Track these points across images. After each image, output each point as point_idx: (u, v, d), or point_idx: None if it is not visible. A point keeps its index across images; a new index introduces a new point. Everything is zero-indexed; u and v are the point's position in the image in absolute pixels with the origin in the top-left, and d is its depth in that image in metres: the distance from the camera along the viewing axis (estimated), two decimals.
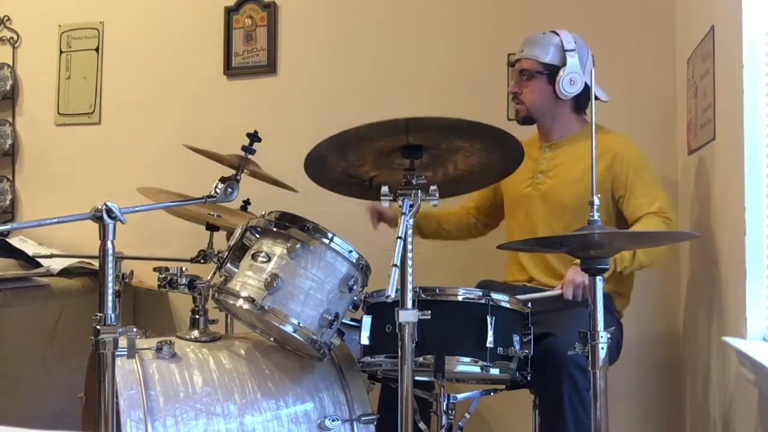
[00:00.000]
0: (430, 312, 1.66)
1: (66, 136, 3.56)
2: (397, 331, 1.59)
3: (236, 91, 3.33)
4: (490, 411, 2.95)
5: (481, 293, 1.90)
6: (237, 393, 1.86)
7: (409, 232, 1.60)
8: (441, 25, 3.07)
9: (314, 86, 3.23)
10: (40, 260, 3.00)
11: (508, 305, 1.93)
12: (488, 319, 1.86)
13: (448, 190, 1.79)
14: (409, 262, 1.61)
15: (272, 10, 3.27)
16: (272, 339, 2.03)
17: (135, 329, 1.55)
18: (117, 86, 3.50)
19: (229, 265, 1.89)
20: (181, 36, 3.41)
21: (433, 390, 1.91)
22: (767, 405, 1.73)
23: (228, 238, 1.99)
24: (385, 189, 1.66)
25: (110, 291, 1.51)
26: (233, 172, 1.91)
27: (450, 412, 1.90)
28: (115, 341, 1.50)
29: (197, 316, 2.08)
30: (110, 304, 1.51)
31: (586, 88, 2.28)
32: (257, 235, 1.91)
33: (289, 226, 1.86)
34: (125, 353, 1.53)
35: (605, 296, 1.64)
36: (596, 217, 1.55)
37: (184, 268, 2.07)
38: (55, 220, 1.55)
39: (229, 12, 3.32)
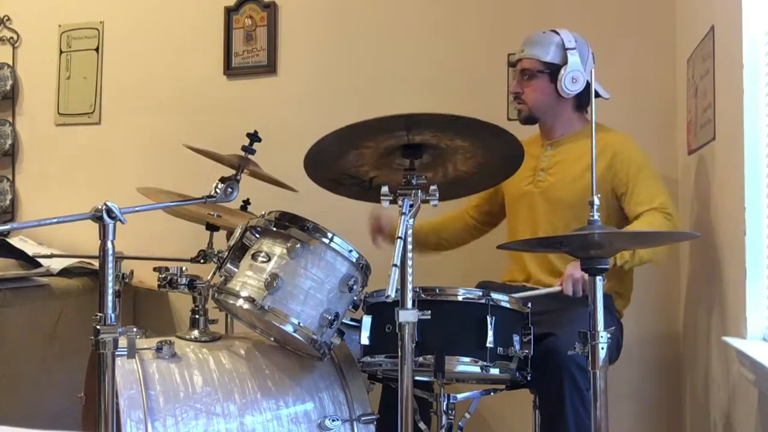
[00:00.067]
0: (430, 312, 1.66)
1: (66, 136, 3.57)
2: (397, 331, 1.59)
3: (236, 91, 3.33)
4: (490, 411, 2.95)
5: (481, 293, 1.90)
6: (237, 393, 1.86)
7: (409, 232, 1.60)
8: (441, 25, 3.07)
9: (314, 86, 3.23)
10: (40, 260, 3.00)
11: (508, 305, 1.93)
12: (488, 319, 1.86)
13: (448, 191, 1.78)
14: (409, 262, 1.61)
15: (272, 10, 3.27)
16: (272, 339, 2.03)
17: (135, 329, 1.55)
18: (117, 86, 3.50)
19: (229, 265, 1.89)
20: (181, 36, 3.41)
21: (433, 390, 1.91)
22: (767, 405, 1.73)
23: (228, 238, 1.99)
24: (385, 189, 1.65)
25: (110, 291, 1.51)
26: (233, 172, 1.90)
27: (450, 412, 1.89)
28: (115, 341, 1.50)
29: (197, 316, 2.07)
30: (110, 304, 1.50)
31: (588, 86, 2.28)
32: (257, 235, 1.91)
33: (289, 226, 1.86)
34: (125, 353, 1.53)
35: (605, 296, 1.63)
36: (596, 217, 1.55)
37: (184, 268, 2.06)
38: (55, 220, 1.55)
39: (229, 12, 3.32)
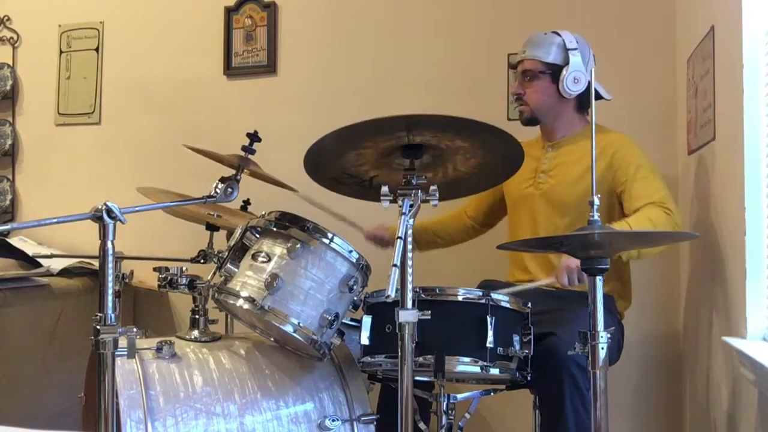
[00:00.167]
0: (430, 312, 1.66)
1: (66, 136, 3.57)
2: (397, 331, 1.59)
3: (236, 91, 3.33)
4: (490, 411, 2.95)
5: (481, 293, 1.90)
6: (237, 393, 1.86)
7: (409, 232, 1.60)
8: (441, 25, 3.07)
9: (314, 86, 3.23)
10: (40, 260, 3.00)
11: (508, 305, 1.93)
12: (488, 319, 1.86)
13: (448, 192, 1.78)
14: (409, 262, 1.61)
15: (272, 10, 3.27)
16: (272, 339, 2.03)
17: (135, 329, 1.55)
18: (117, 86, 3.50)
19: (229, 265, 1.89)
20: (181, 36, 3.41)
21: (433, 390, 1.91)
22: (767, 405, 1.73)
23: (228, 238, 1.99)
24: (385, 189, 1.65)
25: (110, 291, 1.51)
26: (233, 172, 1.90)
27: (450, 412, 1.90)
28: (115, 341, 1.50)
29: (197, 316, 2.08)
30: (110, 304, 1.50)
31: (589, 87, 2.27)
32: (257, 235, 1.91)
33: (289, 226, 1.87)
34: (125, 353, 1.53)
35: (606, 297, 1.64)
36: (596, 217, 1.55)
37: (184, 268, 2.07)
38: (55, 220, 1.55)
39: (229, 12, 3.32)
